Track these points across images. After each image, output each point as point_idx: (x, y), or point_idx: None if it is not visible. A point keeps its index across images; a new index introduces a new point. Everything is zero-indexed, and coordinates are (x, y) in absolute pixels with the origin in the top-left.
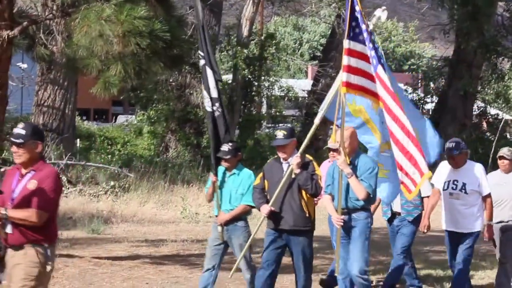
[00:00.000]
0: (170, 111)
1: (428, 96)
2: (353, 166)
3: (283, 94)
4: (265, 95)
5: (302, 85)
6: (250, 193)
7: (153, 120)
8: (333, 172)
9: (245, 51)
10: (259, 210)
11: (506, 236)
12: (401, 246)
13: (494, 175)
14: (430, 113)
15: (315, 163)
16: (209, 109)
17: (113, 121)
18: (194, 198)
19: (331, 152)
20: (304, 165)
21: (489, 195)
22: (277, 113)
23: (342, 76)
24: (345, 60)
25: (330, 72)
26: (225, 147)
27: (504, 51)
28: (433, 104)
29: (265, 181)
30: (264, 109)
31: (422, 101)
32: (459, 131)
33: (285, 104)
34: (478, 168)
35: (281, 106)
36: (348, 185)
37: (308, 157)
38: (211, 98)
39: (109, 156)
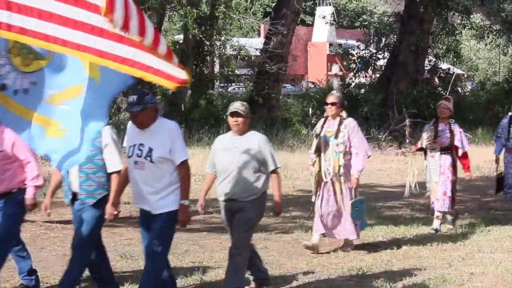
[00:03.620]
0: None
1: (380, 52)
2: None
3: (235, 53)
4: (217, 55)
5: (254, 44)
6: None
7: None
8: None
9: (195, 11)
10: None
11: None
12: (82, 236)
13: (224, 138)
14: (383, 69)
15: None
16: None
17: None
18: None
19: None
20: None
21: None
22: (230, 72)
23: None
24: None
25: (282, 30)
26: None
27: (454, 5)
28: (385, 60)
29: None
30: (216, 69)
31: (374, 57)
32: (411, 86)
33: (237, 63)
34: (171, 127)
35: (233, 65)
36: None
37: None
38: None
39: None
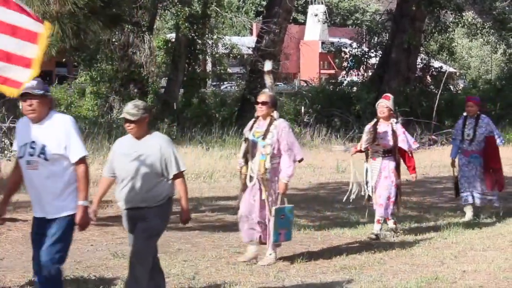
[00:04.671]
0: (113, 71)
1: (372, 51)
2: None
3: (227, 52)
4: (209, 53)
5: (246, 42)
6: None
7: (96, 81)
8: None
9: (187, 9)
10: None
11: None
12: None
13: (124, 142)
14: (375, 67)
15: None
16: None
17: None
18: None
19: None
20: None
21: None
22: (222, 71)
23: None
24: None
25: (274, 29)
26: None
27: (446, 3)
28: (377, 59)
29: None
30: (209, 67)
31: (366, 56)
32: (403, 84)
33: (229, 61)
34: (66, 121)
35: (226, 64)
36: None
37: None
38: None
39: None
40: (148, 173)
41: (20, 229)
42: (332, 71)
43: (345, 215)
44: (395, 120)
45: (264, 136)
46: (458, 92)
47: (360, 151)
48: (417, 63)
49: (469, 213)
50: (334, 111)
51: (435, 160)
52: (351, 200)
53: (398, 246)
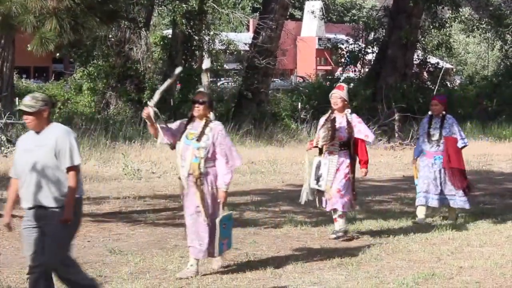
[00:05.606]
0: (110, 67)
1: (369, 47)
2: None
3: (224, 48)
4: (206, 49)
5: (243, 39)
6: None
7: (93, 77)
8: None
9: (184, 5)
10: None
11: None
12: None
13: (27, 137)
14: (372, 63)
15: None
16: None
17: (52, 78)
18: (136, 154)
19: None
20: None
21: None
22: (219, 67)
23: None
24: None
25: (271, 25)
26: None
27: None
28: (374, 55)
29: None
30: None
31: (363, 52)
32: (400, 80)
33: (226, 58)
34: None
35: (223, 60)
36: None
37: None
38: None
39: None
40: (48, 169)
41: (17, 225)
42: (329, 67)
43: None
44: (349, 110)
45: (199, 138)
46: (455, 88)
47: (316, 146)
48: (414, 59)
49: (421, 215)
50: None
51: None
52: (307, 201)
53: (395, 242)
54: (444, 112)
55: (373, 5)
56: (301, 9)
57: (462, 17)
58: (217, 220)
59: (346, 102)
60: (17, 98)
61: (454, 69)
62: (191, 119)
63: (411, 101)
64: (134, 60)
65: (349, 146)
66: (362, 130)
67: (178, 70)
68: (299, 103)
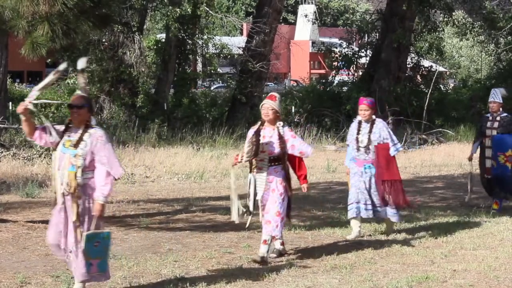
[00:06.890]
0: (103, 71)
1: (363, 50)
2: None
3: (217, 52)
4: (200, 53)
5: (236, 42)
6: None
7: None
8: None
9: (177, 10)
10: None
11: None
12: None
13: None
14: (365, 67)
15: None
16: None
17: None
18: (130, 158)
19: None
20: None
21: None
22: (212, 71)
23: None
24: None
25: (264, 29)
26: None
27: (436, 2)
28: (368, 58)
29: None
30: (199, 67)
31: (356, 55)
32: (393, 84)
33: (220, 61)
34: None
35: (216, 64)
36: None
37: None
38: None
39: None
40: None
41: (10, 230)
42: (323, 71)
43: (335, 214)
44: (281, 123)
45: (76, 145)
46: (448, 91)
47: (241, 161)
48: (407, 63)
49: (355, 228)
50: (324, 110)
51: (426, 159)
52: (237, 222)
53: (389, 246)
54: (374, 117)
55: (367, 8)
56: (295, 13)
57: (455, 20)
58: (84, 234)
59: (278, 114)
60: (10, 103)
61: (448, 72)
62: (68, 125)
63: (404, 104)
64: (128, 65)
65: (283, 161)
66: (296, 146)
67: (62, 66)
68: (293, 107)
